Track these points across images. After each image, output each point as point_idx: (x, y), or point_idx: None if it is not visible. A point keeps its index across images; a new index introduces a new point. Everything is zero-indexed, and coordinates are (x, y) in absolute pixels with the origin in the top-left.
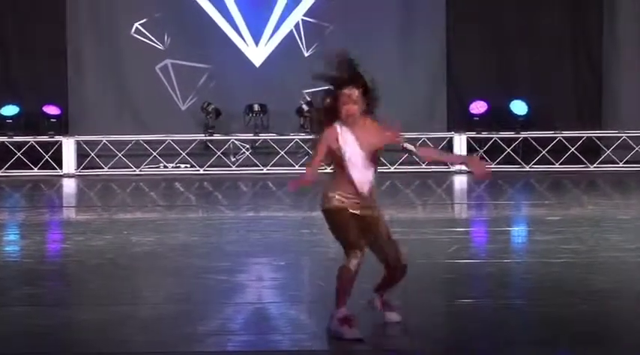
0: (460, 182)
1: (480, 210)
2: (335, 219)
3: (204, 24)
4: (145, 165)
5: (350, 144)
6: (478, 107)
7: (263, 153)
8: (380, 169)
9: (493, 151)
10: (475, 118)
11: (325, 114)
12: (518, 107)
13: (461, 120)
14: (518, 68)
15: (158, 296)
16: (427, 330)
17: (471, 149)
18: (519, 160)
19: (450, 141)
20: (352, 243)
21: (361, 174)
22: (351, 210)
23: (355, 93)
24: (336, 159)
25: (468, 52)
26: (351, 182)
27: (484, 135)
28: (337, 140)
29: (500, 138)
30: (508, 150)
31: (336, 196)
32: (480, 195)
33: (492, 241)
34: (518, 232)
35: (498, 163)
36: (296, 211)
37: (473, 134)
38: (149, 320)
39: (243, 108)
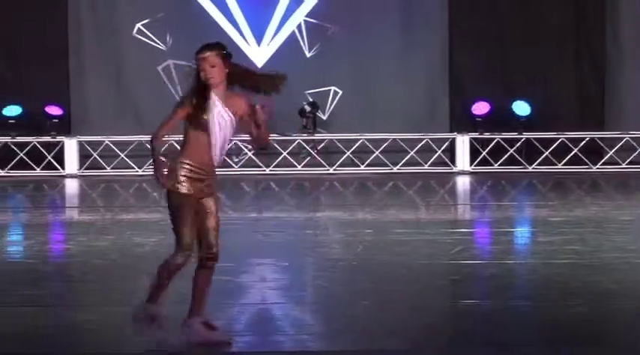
0: (463, 183)
1: (482, 211)
2: (178, 209)
3: (206, 24)
4: (148, 165)
5: (215, 110)
6: (480, 108)
7: (265, 153)
8: (382, 170)
9: (496, 152)
10: (478, 119)
11: (194, 93)
12: (521, 108)
13: (463, 121)
14: (520, 68)
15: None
16: (430, 331)
17: (473, 149)
18: (522, 161)
19: (453, 142)
20: (185, 245)
21: (220, 143)
22: (195, 195)
23: (209, 55)
24: (197, 124)
25: (470, 53)
26: (207, 150)
27: (487, 135)
28: (202, 106)
29: (503, 139)
30: (511, 150)
31: (183, 172)
32: (483, 196)
33: (495, 242)
34: (521, 233)
35: (501, 164)
36: (299, 212)
37: (475, 135)
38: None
39: None
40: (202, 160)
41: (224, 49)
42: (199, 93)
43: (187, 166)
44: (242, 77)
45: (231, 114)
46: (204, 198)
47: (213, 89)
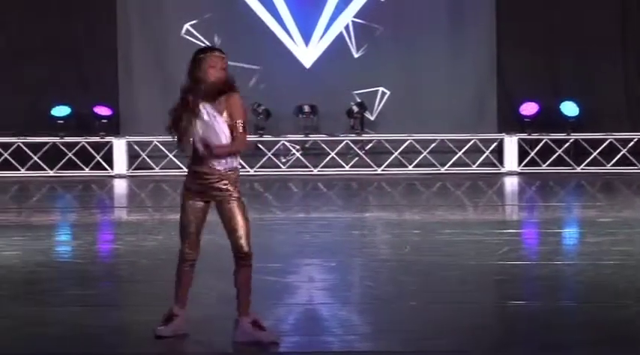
0: (511, 184)
1: (530, 212)
2: (181, 212)
3: (254, 24)
4: None
5: (206, 114)
6: (529, 108)
7: (313, 154)
8: (430, 170)
9: (544, 153)
10: (526, 120)
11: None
12: (569, 108)
13: (511, 122)
14: (568, 69)
15: (209, 297)
16: (478, 331)
17: (521, 150)
18: (570, 162)
19: (501, 142)
20: (184, 253)
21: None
22: (196, 200)
23: (224, 59)
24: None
25: (518, 53)
26: (202, 157)
27: (535, 136)
28: (194, 109)
29: (551, 140)
30: (559, 151)
31: (188, 177)
32: (531, 197)
33: (543, 243)
34: (570, 234)
35: (549, 165)
36: (346, 212)
37: (524, 135)
38: (201, 321)
39: (293, 109)
40: (201, 163)
41: (222, 52)
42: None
43: (191, 169)
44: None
45: (219, 116)
46: (218, 201)
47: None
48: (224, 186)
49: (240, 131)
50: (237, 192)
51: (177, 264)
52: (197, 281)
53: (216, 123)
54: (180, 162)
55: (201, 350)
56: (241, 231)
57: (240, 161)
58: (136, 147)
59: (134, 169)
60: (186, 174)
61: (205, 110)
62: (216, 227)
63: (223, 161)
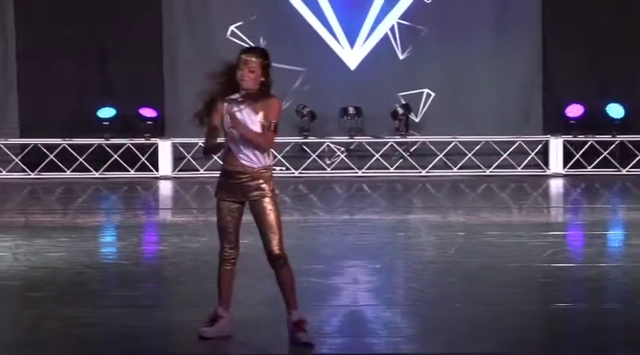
0: (556, 185)
1: (575, 214)
2: (217, 214)
3: (300, 26)
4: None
5: (240, 115)
6: (574, 110)
7: (358, 155)
8: (475, 172)
9: (589, 155)
10: (571, 121)
11: (221, 84)
12: (615, 110)
13: (557, 124)
14: (614, 70)
15: (253, 298)
16: (522, 334)
17: (567, 152)
18: (616, 164)
19: (546, 144)
20: (223, 254)
21: (247, 148)
22: (231, 201)
23: (253, 60)
24: (224, 130)
25: (563, 54)
26: (235, 155)
27: (580, 138)
28: (226, 110)
29: (596, 142)
30: (604, 153)
31: (220, 177)
32: (576, 199)
33: (588, 245)
34: (615, 236)
35: (595, 167)
36: (391, 214)
37: (569, 137)
38: (244, 322)
39: (338, 111)
40: (234, 162)
41: (267, 58)
42: (221, 96)
43: (224, 169)
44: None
45: (254, 117)
46: (252, 200)
47: (241, 91)
48: (258, 185)
49: (272, 130)
50: (271, 190)
51: (218, 266)
52: (240, 282)
53: (249, 121)
54: None
55: (245, 352)
56: (273, 233)
57: (285, 163)
58: (180, 148)
59: (179, 171)
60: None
61: (239, 108)
62: (255, 228)
63: (255, 159)
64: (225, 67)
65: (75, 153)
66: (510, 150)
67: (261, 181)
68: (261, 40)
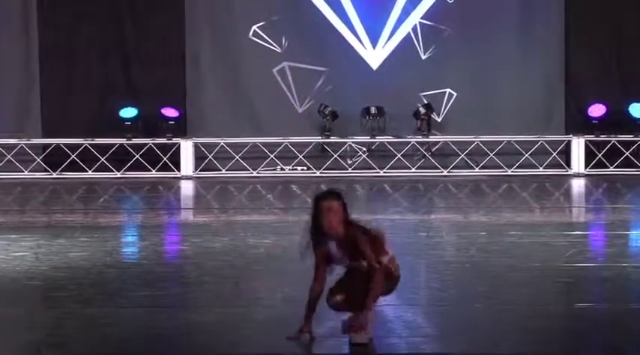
0: (578, 185)
1: (597, 214)
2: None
3: (322, 26)
4: (262, 167)
5: (335, 258)
6: (597, 110)
7: (379, 155)
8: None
9: (611, 154)
10: (593, 121)
11: (313, 237)
12: (638, 110)
13: (579, 123)
14: (637, 70)
15: (275, 298)
16: (544, 334)
17: (589, 152)
18: (638, 163)
19: (568, 144)
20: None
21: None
22: None
23: (334, 204)
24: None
25: (586, 55)
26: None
27: (602, 138)
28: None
29: (618, 142)
30: (627, 153)
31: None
32: (598, 199)
33: (610, 245)
34: (637, 236)
35: (617, 166)
36: (413, 214)
37: (591, 137)
38: (266, 322)
39: (360, 110)
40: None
41: (342, 198)
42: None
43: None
44: (355, 243)
45: (345, 257)
46: None
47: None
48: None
49: (374, 266)
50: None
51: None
52: (262, 283)
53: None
54: (247, 164)
55: (266, 352)
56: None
57: (307, 162)
58: (202, 148)
59: (201, 171)
60: None
61: (334, 252)
62: (279, 228)
63: None
64: (307, 224)
65: (97, 153)
66: (532, 149)
67: None
68: (283, 40)
